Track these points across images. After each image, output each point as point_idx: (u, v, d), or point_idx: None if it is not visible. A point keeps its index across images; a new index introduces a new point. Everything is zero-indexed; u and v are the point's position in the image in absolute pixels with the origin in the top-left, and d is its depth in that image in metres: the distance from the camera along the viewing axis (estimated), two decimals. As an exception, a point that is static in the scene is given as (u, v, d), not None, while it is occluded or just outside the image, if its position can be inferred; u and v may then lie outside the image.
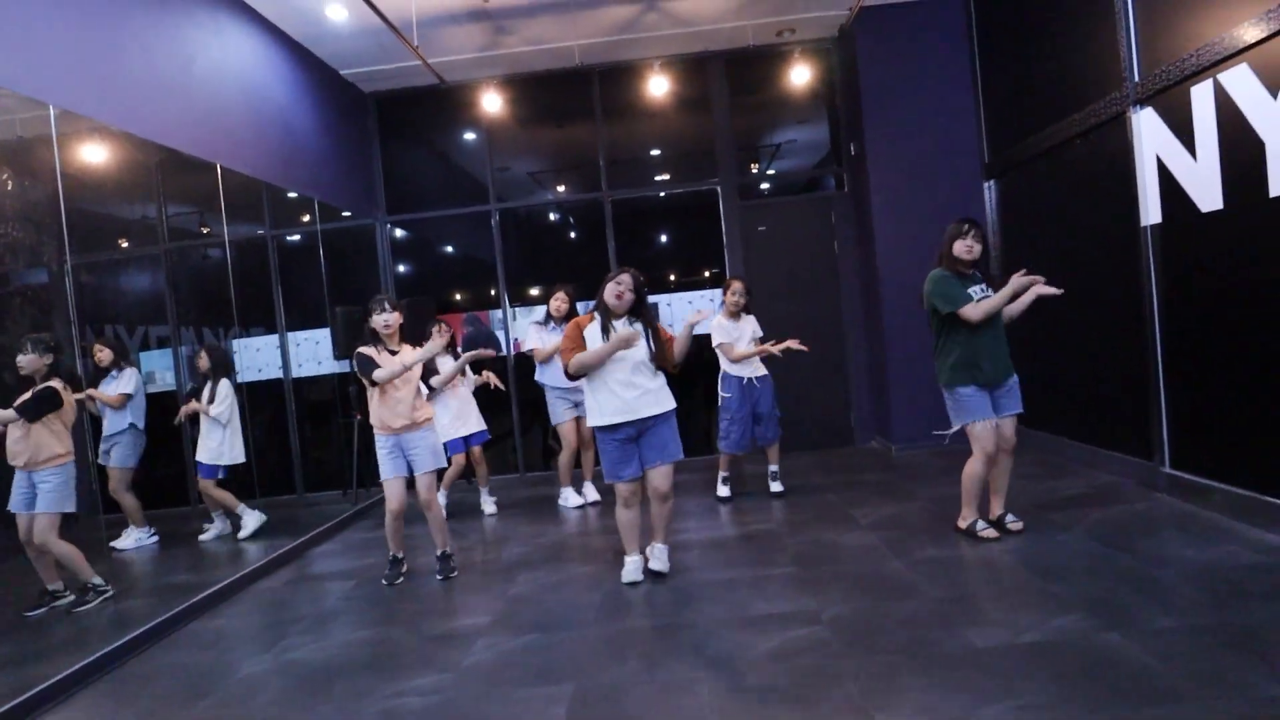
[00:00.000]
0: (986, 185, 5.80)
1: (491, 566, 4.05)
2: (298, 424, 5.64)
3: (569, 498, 5.25)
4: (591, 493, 5.34)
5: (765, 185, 7.06)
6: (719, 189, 6.52)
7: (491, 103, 6.23)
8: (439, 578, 3.88)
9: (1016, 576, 3.14)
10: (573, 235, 7.29)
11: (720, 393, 4.83)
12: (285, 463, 5.59)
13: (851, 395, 6.46)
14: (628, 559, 3.60)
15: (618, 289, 3.45)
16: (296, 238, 6.17)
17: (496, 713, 2.47)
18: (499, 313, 6.66)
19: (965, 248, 3.55)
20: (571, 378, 3.51)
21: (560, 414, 5.16)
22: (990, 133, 5.74)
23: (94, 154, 3.89)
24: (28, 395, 3.37)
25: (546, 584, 3.67)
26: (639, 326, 3.45)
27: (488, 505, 5.38)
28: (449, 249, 7.39)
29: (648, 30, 5.96)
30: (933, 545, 3.62)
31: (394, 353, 3.81)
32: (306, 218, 6.50)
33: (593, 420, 3.48)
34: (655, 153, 6.94)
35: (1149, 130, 3.84)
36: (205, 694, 2.81)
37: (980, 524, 3.65)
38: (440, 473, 4.02)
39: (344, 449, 6.09)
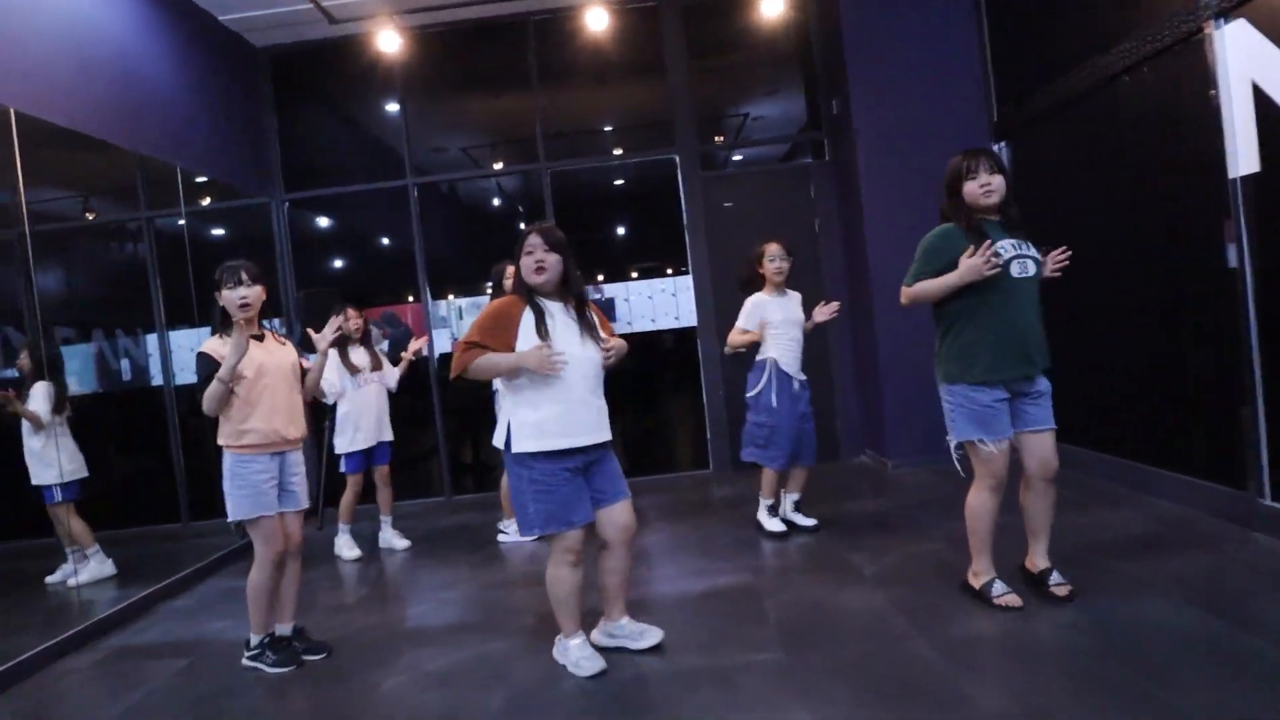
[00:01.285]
0: (996, 147, 4.86)
1: (366, 638, 2.99)
2: (180, 439, 4.60)
3: (515, 532, 4.18)
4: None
5: (736, 157, 6.08)
6: (676, 159, 5.51)
7: (391, 43, 5.11)
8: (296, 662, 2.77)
9: (1103, 671, 2.15)
10: (506, 215, 6.25)
11: (759, 392, 3.67)
12: (167, 485, 4.56)
13: (836, 401, 5.49)
14: (571, 643, 2.51)
15: (533, 259, 2.43)
16: (181, 222, 5.10)
17: None
18: (428, 306, 5.58)
19: (980, 189, 2.53)
20: (463, 382, 2.47)
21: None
22: (1000, 82, 4.80)
23: None
24: None
25: (434, 674, 2.62)
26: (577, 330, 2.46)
27: (394, 540, 4.33)
28: (359, 234, 6.29)
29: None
30: (965, 614, 2.62)
31: (258, 338, 2.75)
32: (207, 200, 5.49)
33: (530, 444, 2.39)
34: (607, 128, 5.92)
35: (1239, 48, 2.89)
36: None
37: (998, 586, 2.62)
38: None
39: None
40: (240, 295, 2.67)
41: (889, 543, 3.50)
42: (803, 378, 3.76)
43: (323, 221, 6.18)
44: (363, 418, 4.18)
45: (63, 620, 3.34)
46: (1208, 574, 2.72)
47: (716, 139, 5.96)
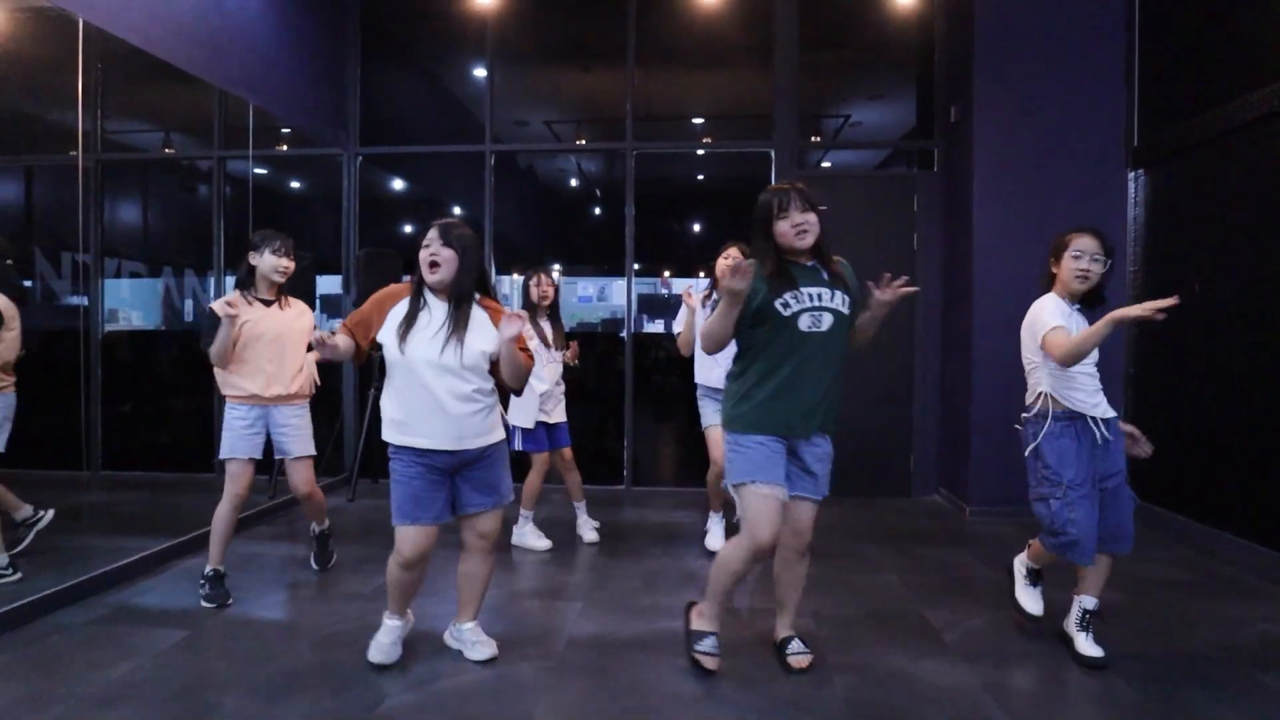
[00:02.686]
0: (1132, 175, 4.36)
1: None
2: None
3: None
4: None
5: (826, 164, 5.68)
6: (772, 154, 5.13)
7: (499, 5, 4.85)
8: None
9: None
10: (580, 197, 5.97)
11: (1029, 440, 2.56)
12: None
13: (913, 433, 5.05)
14: (385, 623, 2.48)
15: (428, 254, 2.32)
16: (260, 169, 5.00)
17: None
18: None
19: (793, 229, 2.29)
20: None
21: (709, 417, 3.71)
22: (1146, 106, 4.29)
23: None
24: None
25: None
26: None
27: (586, 531, 3.94)
28: (427, 197, 6.09)
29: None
30: (1070, 707, 2.21)
31: (266, 302, 3.03)
32: (285, 148, 5.40)
33: (390, 434, 2.37)
34: (697, 110, 5.57)
35: None
36: None
37: (708, 641, 2.42)
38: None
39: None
40: (283, 265, 3.01)
41: (969, 600, 3.09)
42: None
43: (392, 181, 6.01)
44: (549, 395, 3.78)
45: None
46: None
47: (814, 138, 5.57)
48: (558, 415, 3.83)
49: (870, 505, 4.74)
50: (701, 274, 5.39)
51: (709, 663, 2.40)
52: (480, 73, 5.40)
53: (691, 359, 3.77)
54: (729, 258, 3.42)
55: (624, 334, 5.20)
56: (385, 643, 2.43)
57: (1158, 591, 3.20)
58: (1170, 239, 4.12)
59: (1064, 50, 4.42)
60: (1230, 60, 3.61)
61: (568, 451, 3.88)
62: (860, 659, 2.56)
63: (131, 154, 5.39)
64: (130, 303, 5.30)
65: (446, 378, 2.29)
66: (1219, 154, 3.67)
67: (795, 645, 2.47)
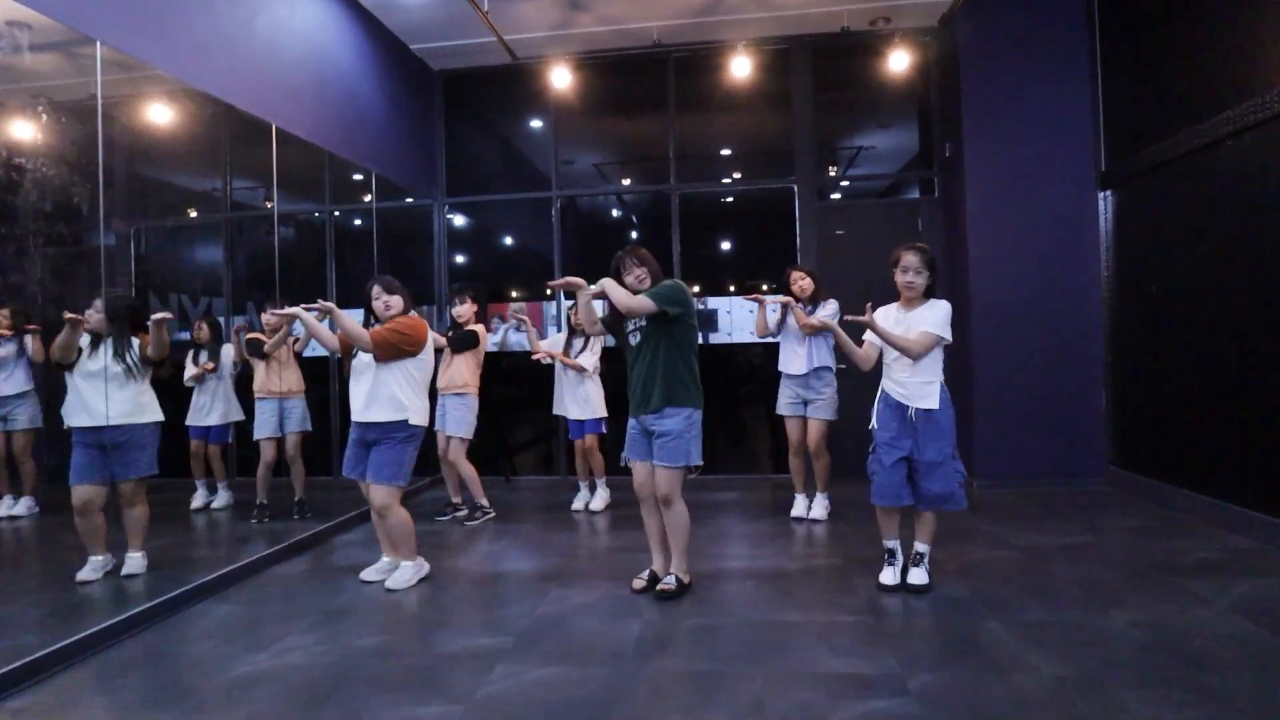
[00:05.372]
0: (1101, 195, 5.18)
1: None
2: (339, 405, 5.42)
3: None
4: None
5: (836, 195, 6.54)
6: (795, 188, 6.03)
7: (561, 79, 5.86)
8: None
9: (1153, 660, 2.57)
10: (635, 230, 6.89)
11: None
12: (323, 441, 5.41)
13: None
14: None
15: (381, 304, 3.58)
16: (356, 220, 5.98)
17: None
18: (552, 305, 6.31)
19: (635, 280, 3.32)
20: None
21: (782, 406, 4.67)
22: (1110, 135, 5.12)
23: (149, 108, 3.74)
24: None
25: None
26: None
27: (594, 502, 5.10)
28: (504, 238, 7.08)
29: (731, 13, 5.54)
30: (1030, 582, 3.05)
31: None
32: (367, 198, 6.36)
33: None
34: (726, 152, 6.50)
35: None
36: (186, 695, 2.47)
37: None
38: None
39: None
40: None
41: (965, 545, 3.91)
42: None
43: (466, 221, 6.99)
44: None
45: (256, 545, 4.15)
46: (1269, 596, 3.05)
47: (830, 169, 6.44)
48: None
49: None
50: (732, 288, 6.26)
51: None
52: (537, 124, 6.40)
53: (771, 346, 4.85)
54: (794, 281, 4.54)
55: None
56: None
57: (1118, 534, 4.02)
58: (1134, 249, 4.92)
59: (1037, 91, 5.26)
60: (1183, 91, 4.34)
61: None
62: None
63: (255, 211, 6.45)
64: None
65: (364, 362, 3.58)
66: (1175, 175, 4.42)
67: (671, 579, 3.30)
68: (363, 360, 3.52)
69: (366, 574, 3.67)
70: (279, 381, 4.64)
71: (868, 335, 3.29)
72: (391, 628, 3.06)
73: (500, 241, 7.15)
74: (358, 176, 5.52)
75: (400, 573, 3.58)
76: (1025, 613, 2.97)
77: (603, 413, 4.98)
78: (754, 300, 4.55)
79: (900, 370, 3.23)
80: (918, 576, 3.25)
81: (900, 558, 3.32)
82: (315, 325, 3.43)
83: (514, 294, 6.61)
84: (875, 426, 3.31)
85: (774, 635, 2.84)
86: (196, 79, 3.70)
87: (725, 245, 6.67)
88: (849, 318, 3.25)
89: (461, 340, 4.72)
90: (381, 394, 3.48)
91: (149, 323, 3.43)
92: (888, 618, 2.99)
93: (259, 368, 4.66)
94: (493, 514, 4.90)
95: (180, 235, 5.51)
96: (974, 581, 3.34)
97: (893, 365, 3.27)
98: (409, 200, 6.32)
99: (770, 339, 4.65)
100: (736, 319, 6.12)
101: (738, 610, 3.11)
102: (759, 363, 6.14)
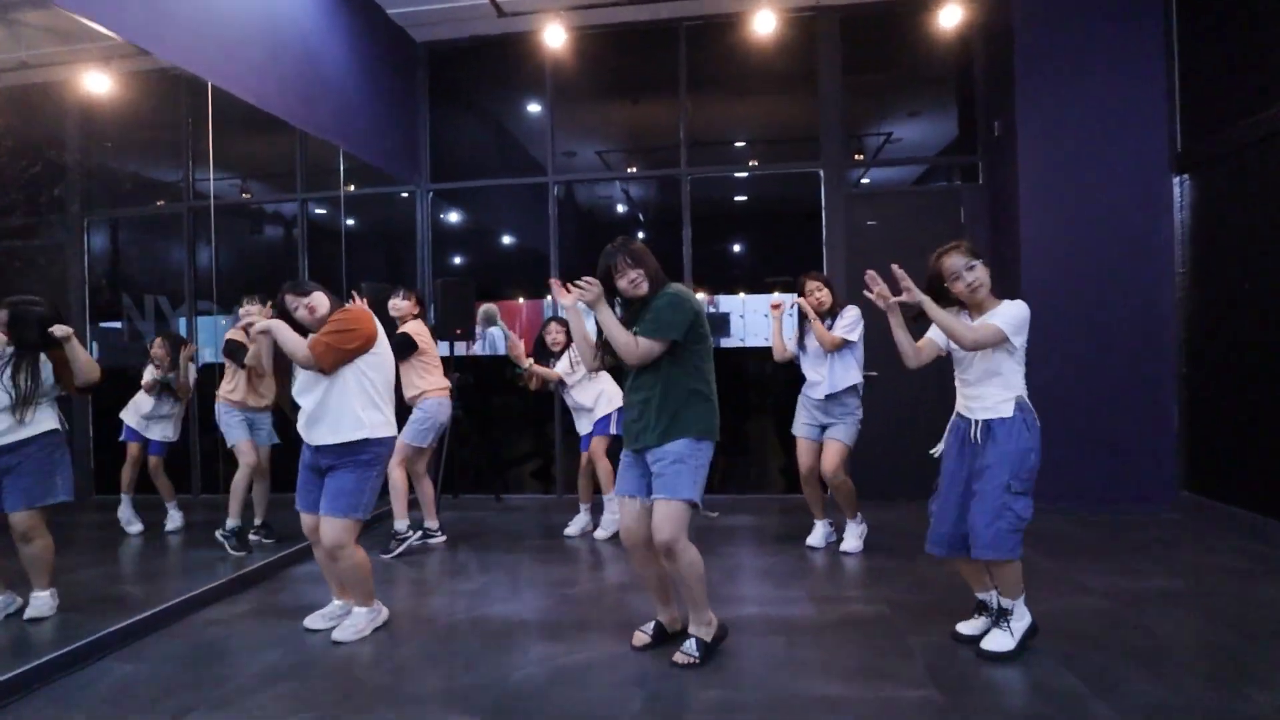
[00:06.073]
0: (1177, 180, 4.52)
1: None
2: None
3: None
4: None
5: (866, 180, 5.89)
6: (821, 173, 5.38)
7: (556, 38, 5.18)
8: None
9: None
10: (641, 223, 6.26)
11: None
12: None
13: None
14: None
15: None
16: (321, 210, 5.38)
17: None
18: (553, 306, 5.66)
19: (629, 284, 2.63)
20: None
21: (798, 426, 4.08)
22: (1189, 109, 4.46)
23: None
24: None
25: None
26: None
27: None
28: (494, 227, 6.45)
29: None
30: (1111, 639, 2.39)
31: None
32: (352, 187, 5.79)
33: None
34: (744, 135, 5.86)
35: None
36: None
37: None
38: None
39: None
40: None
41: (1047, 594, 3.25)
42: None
43: (456, 214, 6.38)
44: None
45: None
46: None
47: (857, 155, 5.80)
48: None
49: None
50: (740, 291, 5.62)
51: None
52: (534, 108, 5.77)
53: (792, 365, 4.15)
54: (810, 292, 3.92)
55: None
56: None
57: (1213, 577, 3.34)
58: (1216, 241, 4.26)
59: (1103, 62, 4.61)
60: (1271, 67, 3.77)
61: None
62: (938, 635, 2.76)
63: (226, 200, 5.84)
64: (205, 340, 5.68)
65: (310, 377, 2.94)
66: (1263, 157, 3.83)
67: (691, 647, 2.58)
68: (306, 375, 2.88)
69: (311, 620, 3.03)
70: (258, 398, 4.16)
71: (931, 332, 2.66)
72: (326, 700, 2.41)
73: (491, 233, 6.54)
74: (346, 165, 4.91)
75: (351, 620, 2.95)
76: (1138, 691, 2.31)
77: (618, 403, 4.22)
78: (774, 310, 3.98)
79: (966, 371, 2.63)
80: (995, 642, 2.59)
81: (993, 612, 2.66)
82: (291, 341, 2.79)
83: (518, 295, 5.98)
84: (937, 453, 2.72)
85: (814, 718, 2.19)
86: (111, 21, 3.06)
87: (738, 246, 6.03)
88: (874, 295, 2.57)
89: (396, 348, 4.00)
90: (331, 409, 2.84)
91: (59, 337, 2.84)
92: (960, 694, 2.33)
93: (237, 376, 4.08)
94: (441, 539, 4.36)
95: (134, 227, 4.92)
96: (1058, 642, 2.68)
97: (963, 374, 2.65)
98: (392, 190, 5.71)
99: (790, 359, 4.04)
100: (750, 323, 5.48)
101: (765, 679, 2.46)
102: (773, 370, 5.48)
